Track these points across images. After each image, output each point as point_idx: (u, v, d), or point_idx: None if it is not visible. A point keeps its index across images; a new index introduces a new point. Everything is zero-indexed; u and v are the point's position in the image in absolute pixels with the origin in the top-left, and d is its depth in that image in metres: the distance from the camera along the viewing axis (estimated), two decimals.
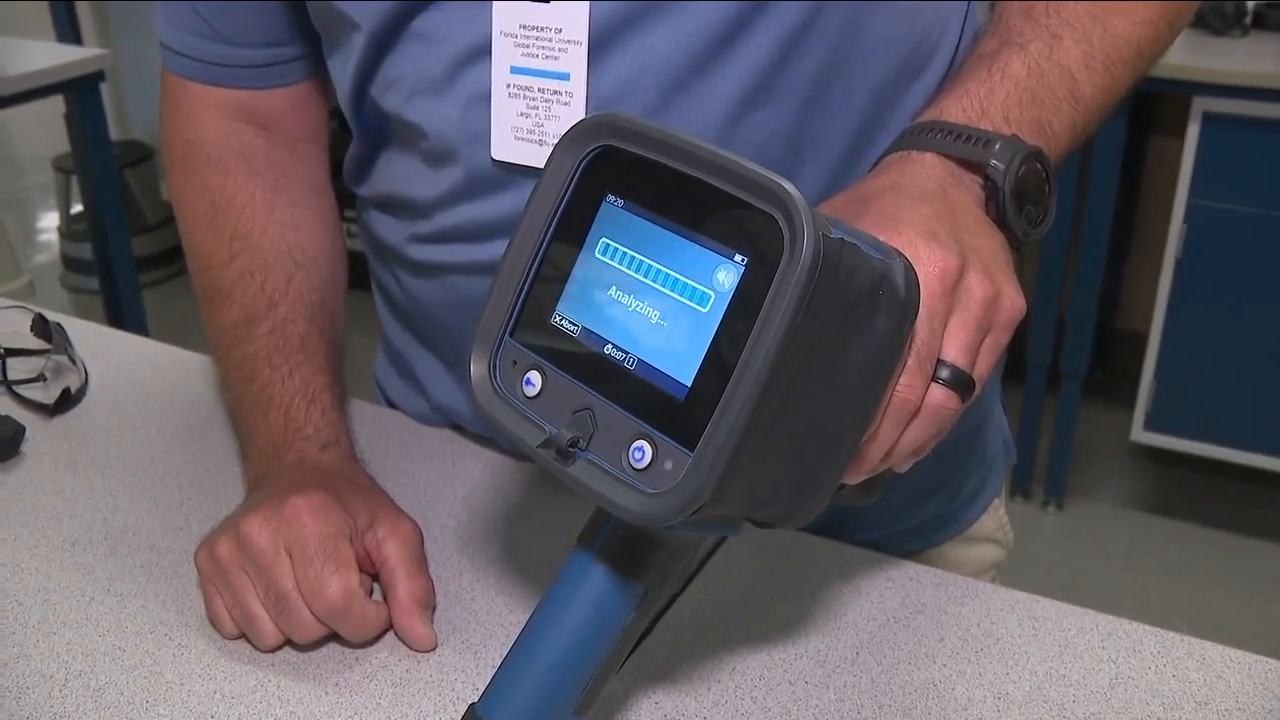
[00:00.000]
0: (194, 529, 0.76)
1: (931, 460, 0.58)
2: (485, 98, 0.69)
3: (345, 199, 0.89)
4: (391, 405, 0.93)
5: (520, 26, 0.67)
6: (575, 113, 0.67)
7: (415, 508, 0.77)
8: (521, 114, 0.68)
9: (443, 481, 0.82)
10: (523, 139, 0.69)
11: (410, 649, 0.67)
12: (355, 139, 0.80)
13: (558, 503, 0.78)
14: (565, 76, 0.67)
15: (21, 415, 0.88)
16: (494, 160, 0.70)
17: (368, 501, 0.70)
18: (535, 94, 0.68)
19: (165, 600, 0.70)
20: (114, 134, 2.62)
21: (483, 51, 0.68)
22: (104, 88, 2.42)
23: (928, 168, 0.61)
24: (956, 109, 0.63)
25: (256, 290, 0.80)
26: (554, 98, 0.67)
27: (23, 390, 0.92)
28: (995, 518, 0.93)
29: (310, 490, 0.68)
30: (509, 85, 0.68)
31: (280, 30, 0.80)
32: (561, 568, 0.55)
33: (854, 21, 0.68)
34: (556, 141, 0.53)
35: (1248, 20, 2.38)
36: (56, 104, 2.44)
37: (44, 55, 2.37)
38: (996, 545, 0.93)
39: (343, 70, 0.75)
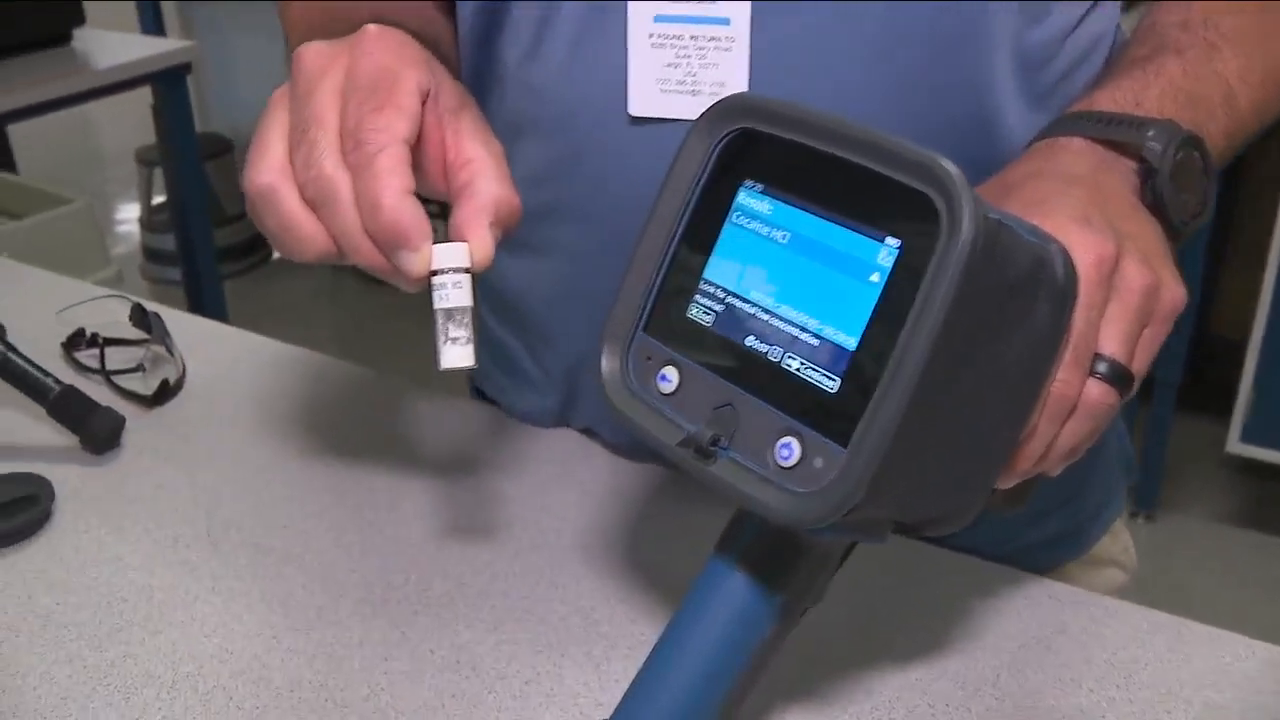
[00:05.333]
0: (298, 527, 0.74)
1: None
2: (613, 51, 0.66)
3: None
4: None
5: None
6: (738, 60, 0.63)
7: (527, 510, 0.75)
8: (670, 65, 0.65)
9: (556, 484, 0.79)
10: (671, 91, 0.65)
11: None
12: None
13: (680, 508, 0.75)
14: (725, 22, 0.63)
15: (120, 406, 0.86)
16: (631, 117, 0.66)
17: (461, 92, 0.60)
18: (687, 42, 0.64)
19: (271, 602, 0.68)
20: (196, 126, 2.62)
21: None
22: (189, 80, 2.44)
23: (1075, 153, 0.58)
24: (1108, 101, 0.61)
25: None
26: (710, 44, 0.64)
27: (121, 381, 0.91)
28: (1119, 541, 0.89)
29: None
30: (652, 35, 0.65)
31: None
32: (697, 576, 0.52)
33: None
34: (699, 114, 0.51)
35: None
36: (134, 99, 2.45)
37: (133, 48, 2.39)
38: (1120, 569, 0.89)
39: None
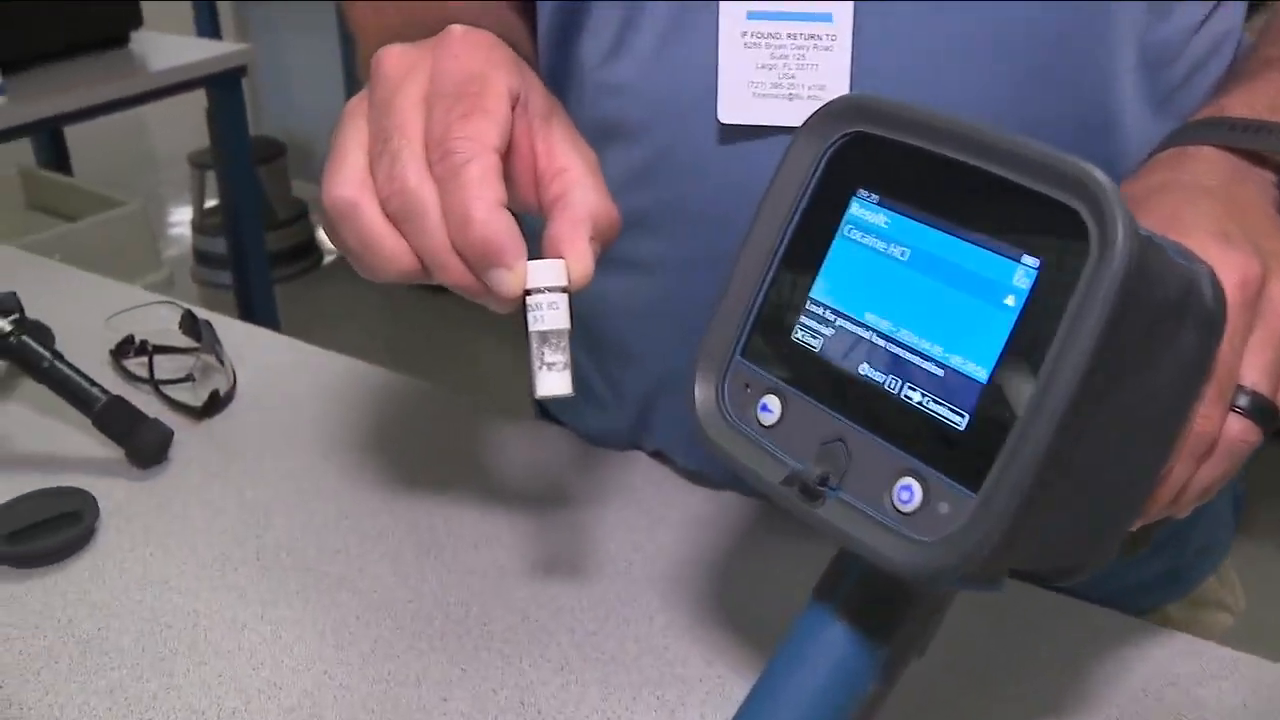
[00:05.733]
0: (353, 551, 0.70)
1: None
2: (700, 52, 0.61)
3: None
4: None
5: None
6: (839, 60, 0.59)
7: (595, 539, 0.70)
8: (764, 66, 0.60)
9: (626, 510, 0.74)
10: (765, 95, 0.60)
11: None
12: None
13: (760, 538, 0.71)
14: (827, 18, 0.58)
15: (169, 418, 0.82)
16: (721, 124, 0.62)
17: (550, 97, 0.56)
18: (783, 41, 0.59)
19: (324, 632, 0.64)
20: (249, 130, 2.61)
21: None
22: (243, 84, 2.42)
23: (1207, 162, 0.53)
24: (1241, 105, 0.56)
25: None
26: (809, 43, 0.59)
27: (170, 391, 0.87)
28: (1226, 581, 0.83)
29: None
30: (745, 34, 0.60)
31: None
32: (794, 623, 0.47)
33: None
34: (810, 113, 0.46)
35: None
36: (188, 101, 2.44)
37: (188, 50, 2.38)
38: (1227, 613, 0.83)
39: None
